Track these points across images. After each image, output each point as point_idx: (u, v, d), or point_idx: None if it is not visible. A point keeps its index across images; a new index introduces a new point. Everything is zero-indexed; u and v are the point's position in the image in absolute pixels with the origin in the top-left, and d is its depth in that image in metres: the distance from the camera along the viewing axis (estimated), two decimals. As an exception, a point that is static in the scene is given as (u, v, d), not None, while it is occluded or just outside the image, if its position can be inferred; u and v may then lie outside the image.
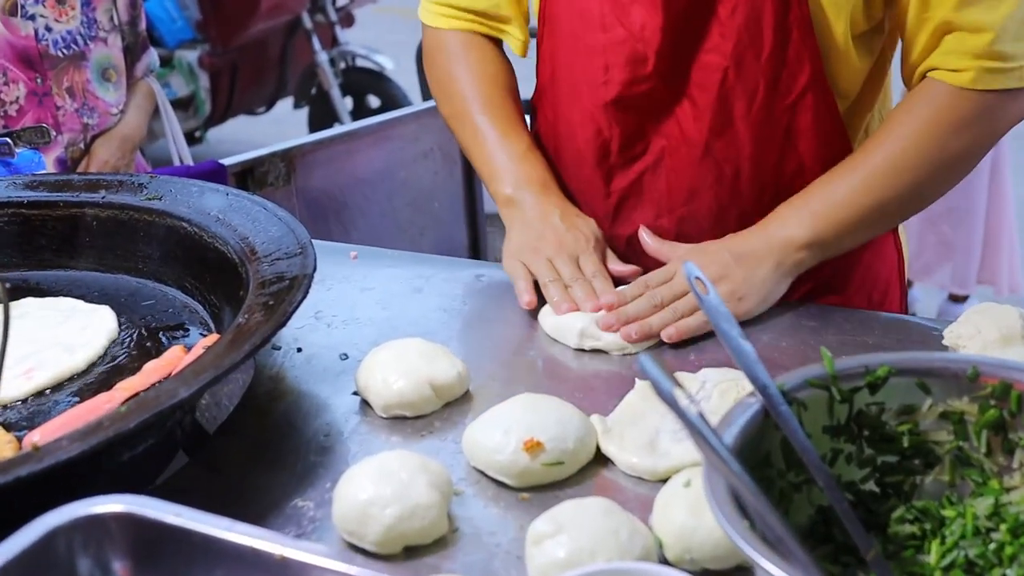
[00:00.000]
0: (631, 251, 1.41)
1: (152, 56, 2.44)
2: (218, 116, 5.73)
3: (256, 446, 1.11)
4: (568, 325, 1.26)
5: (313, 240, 1.29)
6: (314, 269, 1.18)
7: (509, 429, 1.01)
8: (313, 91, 5.96)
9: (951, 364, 0.88)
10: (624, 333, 1.23)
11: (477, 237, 2.86)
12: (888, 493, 0.90)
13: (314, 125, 5.97)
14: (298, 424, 1.14)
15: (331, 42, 5.71)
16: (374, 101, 5.82)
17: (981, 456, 0.87)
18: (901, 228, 1.52)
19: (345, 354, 1.27)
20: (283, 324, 1.06)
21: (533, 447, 0.99)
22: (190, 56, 5.38)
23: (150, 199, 1.46)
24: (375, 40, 6.25)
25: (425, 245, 2.72)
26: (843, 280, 1.45)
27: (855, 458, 0.90)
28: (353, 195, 2.43)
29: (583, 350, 1.25)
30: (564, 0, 1.39)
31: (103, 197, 1.49)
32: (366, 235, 2.46)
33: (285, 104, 6.22)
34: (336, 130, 2.33)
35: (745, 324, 1.25)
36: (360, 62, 5.78)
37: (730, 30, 1.28)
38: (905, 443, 0.88)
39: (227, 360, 1.00)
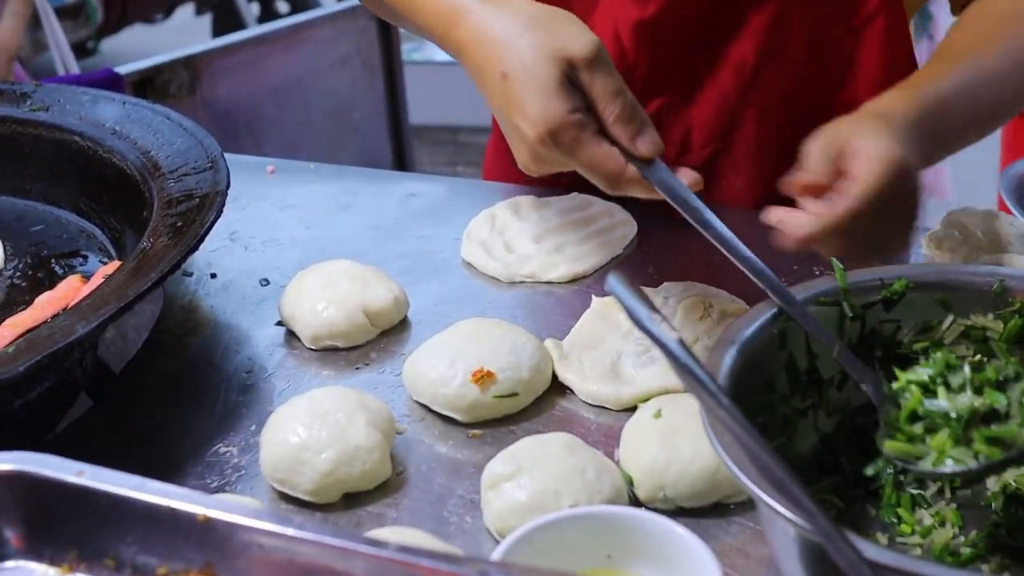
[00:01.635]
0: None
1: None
2: (111, 25, 5.48)
3: (169, 386, 1.02)
4: (489, 265, 1.17)
5: (225, 154, 1.19)
6: (227, 185, 1.08)
7: (455, 358, 0.94)
8: (216, -4, 5.73)
9: (976, 278, 0.83)
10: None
11: (403, 150, 2.74)
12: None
13: (218, 34, 5.74)
14: (216, 360, 1.05)
15: (234, -59, 5.47)
16: (283, 7, 5.61)
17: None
18: None
19: (266, 279, 1.18)
20: (195, 248, 0.96)
21: (483, 378, 0.92)
22: (78, -42, 5.11)
23: (35, 110, 1.34)
24: (282, -61, 6.01)
25: (346, 159, 2.60)
26: None
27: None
28: (265, 106, 2.30)
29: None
30: None
31: (-21, 109, 1.36)
32: (280, 149, 2.34)
33: (186, 11, 5.97)
34: (244, 34, 2.19)
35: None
36: (266, -35, 5.55)
37: None
38: (921, 363, 0.83)
39: (131, 290, 0.90)
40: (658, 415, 0.86)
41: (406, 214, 1.31)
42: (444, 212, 1.30)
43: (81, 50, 5.66)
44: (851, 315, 0.83)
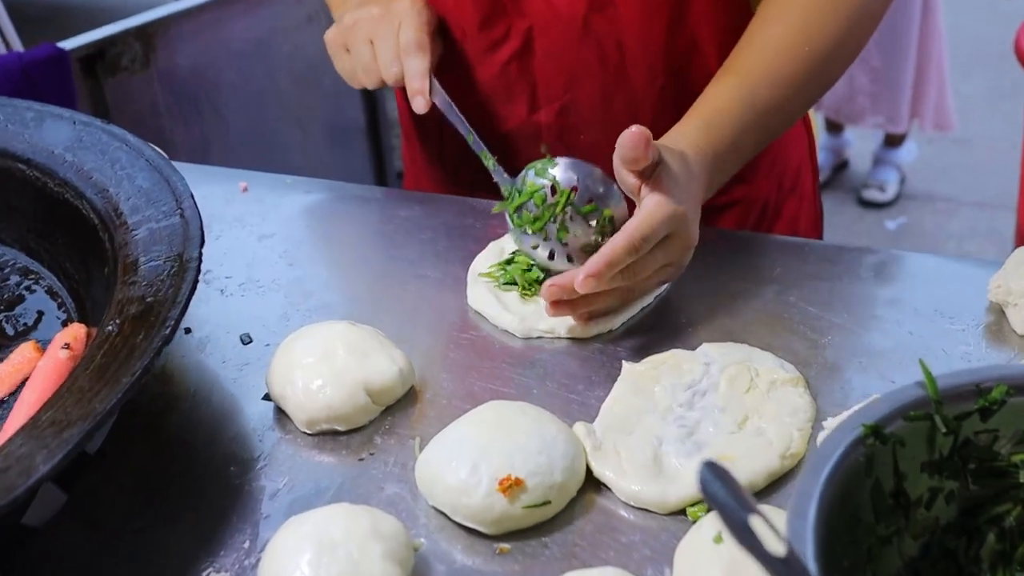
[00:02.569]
0: (504, 156, 1.16)
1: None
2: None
3: (146, 486, 0.91)
4: (502, 318, 1.07)
5: (190, 164, 1.09)
6: (202, 242, 0.96)
7: (478, 463, 0.83)
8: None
9: None
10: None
11: (377, 116, 2.58)
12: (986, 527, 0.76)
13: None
14: (198, 447, 0.94)
15: None
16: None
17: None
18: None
19: (248, 336, 1.06)
20: (169, 338, 0.84)
21: (511, 487, 0.82)
22: None
23: (-28, 131, 1.20)
24: None
25: (316, 128, 2.45)
26: (750, 167, 1.29)
27: (957, 496, 0.75)
28: (226, 73, 2.14)
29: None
30: None
31: (-93, 128, 1.21)
32: (244, 120, 2.19)
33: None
34: (201, -3, 2.02)
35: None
36: None
37: None
38: (1021, 478, 0.73)
39: (99, 404, 0.78)
40: (719, 540, 0.76)
41: (395, 242, 1.19)
42: (442, 243, 1.18)
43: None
44: (945, 430, 0.73)
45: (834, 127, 3.98)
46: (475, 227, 1.22)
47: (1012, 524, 0.76)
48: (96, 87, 1.87)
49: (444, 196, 1.31)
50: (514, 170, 1.10)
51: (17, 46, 1.97)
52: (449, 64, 1.24)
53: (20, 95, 1.30)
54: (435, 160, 1.38)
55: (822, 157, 3.99)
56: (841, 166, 4.09)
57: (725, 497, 0.55)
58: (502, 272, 1.10)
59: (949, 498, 0.76)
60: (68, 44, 1.84)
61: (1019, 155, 2.70)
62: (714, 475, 0.55)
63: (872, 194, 3.89)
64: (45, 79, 1.76)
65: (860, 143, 4.06)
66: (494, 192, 1.12)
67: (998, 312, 1.02)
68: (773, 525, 0.54)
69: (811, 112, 1.38)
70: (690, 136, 1.05)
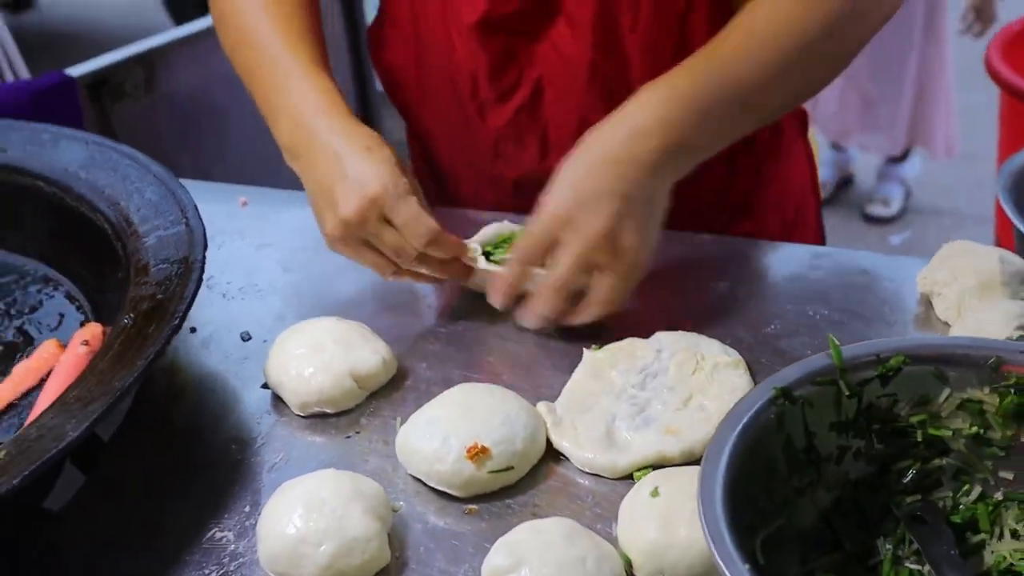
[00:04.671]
0: (520, 195, 1.31)
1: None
2: (50, -23, 5.42)
3: (159, 462, 1.07)
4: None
5: (192, 181, 1.25)
6: (205, 247, 1.12)
7: (448, 434, 0.99)
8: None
9: (971, 351, 0.89)
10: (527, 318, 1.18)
11: (371, 124, 2.76)
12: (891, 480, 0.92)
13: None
14: (203, 430, 1.10)
15: None
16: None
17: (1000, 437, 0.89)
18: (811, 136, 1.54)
19: (247, 333, 1.23)
20: (178, 328, 1.01)
21: (477, 454, 0.98)
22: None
23: (-6, 151, 1.37)
24: None
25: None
26: (755, 202, 1.44)
27: (864, 454, 0.90)
28: (225, 96, 2.31)
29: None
30: None
31: (-67, 151, 1.39)
32: (243, 142, 2.36)
33: (127, -41, 5.91)
34: (199, 24, 2.19)
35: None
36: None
37: None
38: (919, 436, 0.89)
39: (117, 382, 0.95)
40: (655, 493, 0.92)
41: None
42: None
43: (16, 4, 5.62)
44: (848, 393, 0.89)
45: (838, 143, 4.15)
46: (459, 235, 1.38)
47: (913, 477, 0.92)
48: (102, 112, 2.05)
49: (447, 210, 1.46)
50: (525, 215, 1.18)
51: (24, 74, 2.15)
52: (458, 116, 1.37)
53: (30, 120, 1.46)
54: (424, 174, 1.52)
55: (826, 173, 4.16)
56: (846, 181, 4.25)
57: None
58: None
59: (857, 455, 0.91)
60: (75, 71, 2.02)
61: None
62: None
63: (876, 209, 4.05)
64: (54, 105, 1.94)
65: (864, 158, 4.21)
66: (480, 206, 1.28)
67: (927, 303, 1.17)
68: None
69: (813, 138, 1.52)
70: (637, 101, 1.13)
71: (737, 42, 1.17)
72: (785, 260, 1.29)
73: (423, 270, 1.19)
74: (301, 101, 1.21)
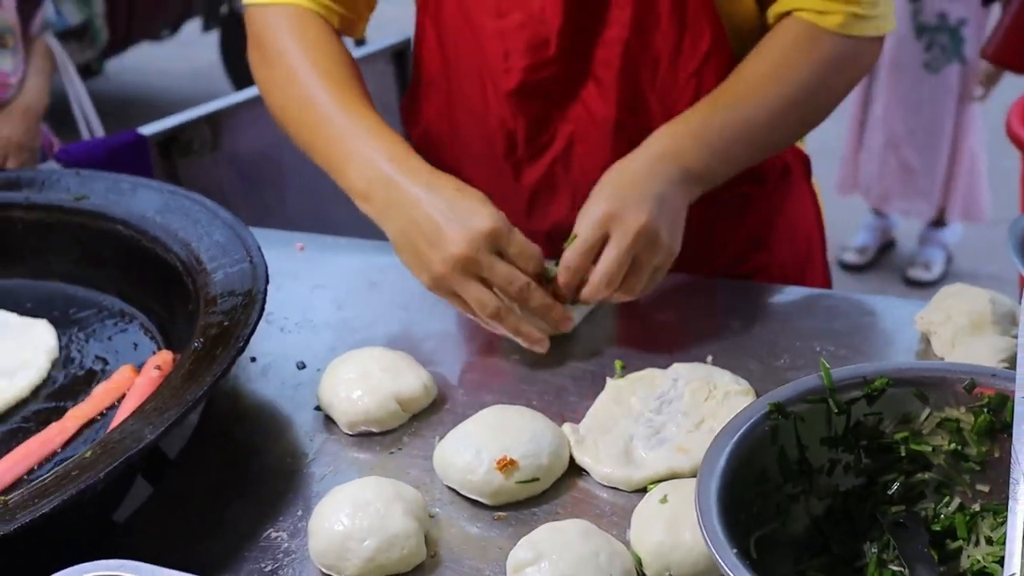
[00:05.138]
0: (551, 246, 1.38)
1: (48, 8, 2.45)
2: (117, 44, 5.69)
3: (221, 472, 1.20)
4: None
5: (254, 228, 1.38)
6: (267, 282, 1.26)
7: (480, 448, 1.11)
8: (224, 10, 5.93)
9: (948, 374, 1.00)
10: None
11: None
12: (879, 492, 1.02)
13: (226, 49, 5.95)
14: (261, 446, 1.23)
15: (241, -45, 5.66)
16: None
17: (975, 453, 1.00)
18: (817, 186, 1.67)
19: (302, 363, 1.36)
20: (242, 350, 1.14)
21: (507, 466, 1.10)
22: (81, -22, 5.31)
23: (79, 199, 1.52)
24: (290, -50, 6.19)
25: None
26: (769, 235, 1.58)
27: (853, 467, 1.01)
28: (286, 155, 2.48)
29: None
30: None
31: (27, 197, 1.55)
32: (301, 198, 2.52)
33: (193, 26, 6.17)
34: (262, 88, 2.36)
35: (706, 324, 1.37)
36: (275, -23, 5.72)
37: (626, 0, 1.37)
38: (902, 452, 1.00)
39: (188, 395, 1.08)
40: (664, 500, 1.03)
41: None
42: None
43: (86, 70, 5.89)
44: (837, 411, 1.00)
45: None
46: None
47: (898, 490, 1.03)
48: (170, 167, 2.22)
49: None
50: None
51: (100, 132, 2.33)
52: (494, 174, 1.51)
53: (107, 173, 1.61)
54: None
55: (868, 238, 4.26)
56: (887, 246, 4.35)
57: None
58: None
59: (847, 468, 1.02)
60: (146, 130, 2.19)
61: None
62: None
63: (918, 273, 4.13)
64: (127, 160, 2.11)
65: (906, 223, 4.31)
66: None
67: (926, 341, 1.28)
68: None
69: (816, 184, 1.67)
70: (654, 136, 1.33)
71: (741, 85, 1.36)
72: (796, 301, 1.41)
73: (520, 317, 1.28)
74: (372, 150, 1.31)
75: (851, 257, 4.26)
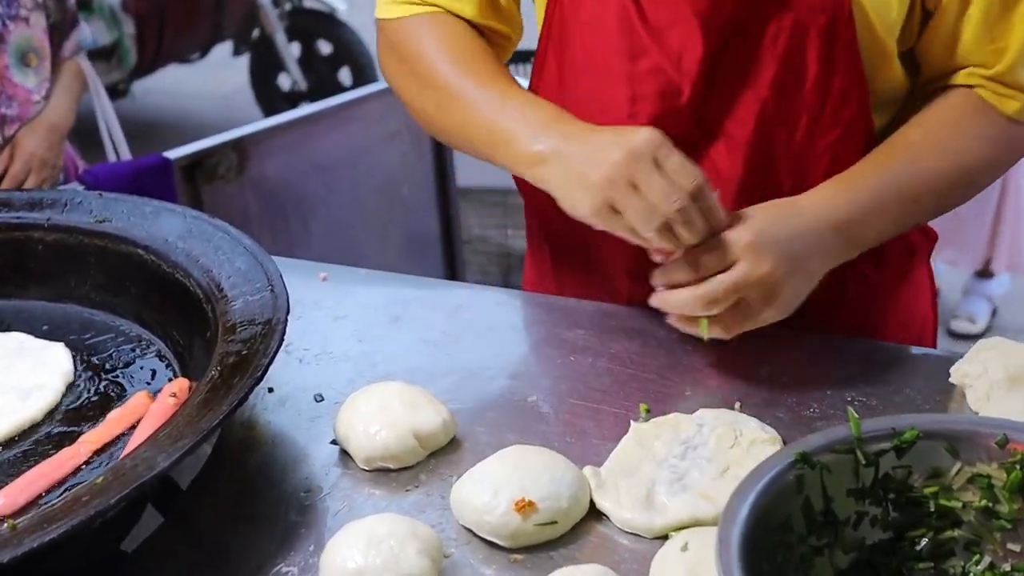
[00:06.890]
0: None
1: (83, 32, 2.51)
2: (146, 66, 5.77)
3: (233, 504, 1.22)
4: None
5: (277, 257, 1.40)
6: (287, 312, 1.28)
7: (499, 488, 1.13)
8: (255, 35, 6.02)
9: (980, 429, 1.01)
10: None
11: (450, 223, 2.95)
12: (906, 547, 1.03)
13: (256, 74, 6.04)
14: (275, 478, 1.25)
15: (274, -20, 5.76)
16: (325, 47, 5.88)
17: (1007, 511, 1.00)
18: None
19: (320, 395, 1.38)
20: (259, 380, 1.16)
21: (525, 507, 1.11)
22: (112, -3, 5.40)
23: (99, 221, 1.55)
24: (324, -24, 6.29)
25: (393, 233, 2.81)
26: (881, 323, 1.56)
27: (880, 521, 1.02)
28: (313, 184, 2.53)
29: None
30: (579, 14, 1.41)
31: (49, 218, 1.58)
32: (327, 227, 2.56)
33: (222, 50, 6.26)
34: (293, 114, 2.41)
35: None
36: (308, 3, 5.82)
37: (771, 57, 1.34)
38: (931, 507, 1.00)
39: (204, 423, 1.10)
40: (685, 548, 1.04)
41: (454, 327, 1.51)
42: (491, 326, 1.50)
43: (113, 91, 5.98)
44: (865, 462, 1.01)
45: (922, 257, 4.25)
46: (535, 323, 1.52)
47: (926, 546, 1.03)
48: (194, 191, 2.26)
49: (518, 293, 1.61)
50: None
51: (126, 154, 2.38)
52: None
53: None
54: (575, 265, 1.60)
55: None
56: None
57: None
58: None
59: (874, 521, 1.03)
60: (172, 154, 2.24)
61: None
62: None
63: (962, 325, 4.12)
64: (151, 183, 2.15)
65: (951, 274, 4.29)
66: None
67: (961, 395, 1.29)
68: None
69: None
70: (819, 192, 1.34)
71: (920, 153, 1.37)
72: (829, 350, 1.42)
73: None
74: (534, 116, 1.34)
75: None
